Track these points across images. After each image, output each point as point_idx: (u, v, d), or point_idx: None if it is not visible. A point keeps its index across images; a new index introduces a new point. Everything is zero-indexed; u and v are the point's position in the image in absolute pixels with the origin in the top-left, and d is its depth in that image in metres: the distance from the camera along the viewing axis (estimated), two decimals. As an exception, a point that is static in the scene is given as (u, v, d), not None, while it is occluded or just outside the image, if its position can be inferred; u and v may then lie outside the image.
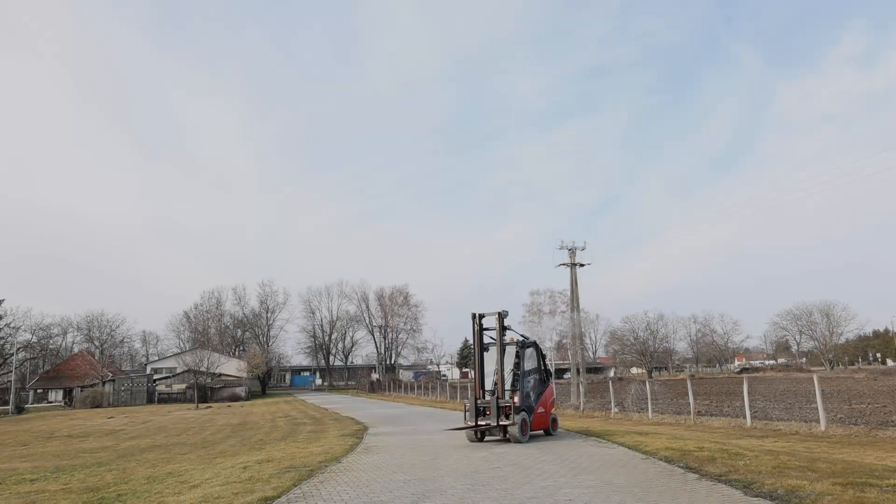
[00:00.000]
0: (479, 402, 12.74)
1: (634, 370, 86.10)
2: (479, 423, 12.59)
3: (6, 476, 13.12)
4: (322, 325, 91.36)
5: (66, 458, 17.37)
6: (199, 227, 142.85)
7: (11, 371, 53.56)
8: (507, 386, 12.93)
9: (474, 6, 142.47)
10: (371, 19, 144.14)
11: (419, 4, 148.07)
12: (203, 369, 53.78)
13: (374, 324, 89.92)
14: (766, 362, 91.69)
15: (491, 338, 13.42)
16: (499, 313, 13.17)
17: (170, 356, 76.40)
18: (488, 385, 13.23)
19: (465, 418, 12.98)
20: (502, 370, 12.82)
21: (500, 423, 12.35)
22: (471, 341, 15.44)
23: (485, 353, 13.46)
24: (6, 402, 51.12)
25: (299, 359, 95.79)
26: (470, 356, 13.34)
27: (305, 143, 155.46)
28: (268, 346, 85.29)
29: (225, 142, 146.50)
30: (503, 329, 13.17)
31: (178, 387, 58.67)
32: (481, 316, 13.34)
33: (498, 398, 12.47)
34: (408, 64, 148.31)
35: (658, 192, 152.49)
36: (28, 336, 64.96)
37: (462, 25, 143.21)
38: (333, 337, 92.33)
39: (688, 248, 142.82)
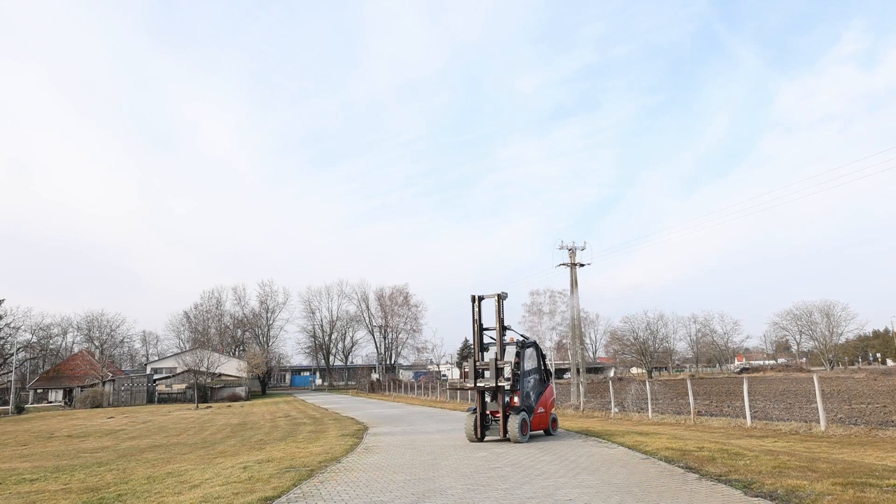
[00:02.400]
0: (477, 364, 12.91)
1: (634, 370, 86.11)
2: (479, 384, 12.77)
3: (6, 476, 13.12)
4: (322, 325, 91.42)
5: (66, 458, 17.36)
6: (199, 227, 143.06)
7: (11, 371, 53.57)
8: (507, 387, 12.95)
9: (474, 6, 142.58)
10: (371, 19, 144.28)
11: (419, 4, 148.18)
12: (203, 369, 53.73)
13: (374, 324, 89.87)
14: (766, 362, 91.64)
15: (491, 338, 13.48)
16: (498, 295, 13.34)
17: (170, 356, 76.37)
18: None
19: (462, 376, 13.41)
20: (501, 356, 12.89)
21: (498, 383, 12.50)
22: (471, 341, 15.49)
23: (484, 354, 13.52)
24: (6, 402, 51.15)
25: (299, 359, 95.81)
26: (470, 356, 13.45)
27: (305, 142, 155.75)
28: (268, 346, 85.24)
29: (225, 141, 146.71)
30: (504, 326, 13.22)
31: (178, 387, 58.67)
32: (480, 298, 13.54)
33: (497, 359, 12.65)
34: (408, 64, 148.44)
35: (658, 192, 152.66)
36: (28, 336, 65.09)
37: (462, 25, 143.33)
38: (333, 337, 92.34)
39: (688, 247, 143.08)
